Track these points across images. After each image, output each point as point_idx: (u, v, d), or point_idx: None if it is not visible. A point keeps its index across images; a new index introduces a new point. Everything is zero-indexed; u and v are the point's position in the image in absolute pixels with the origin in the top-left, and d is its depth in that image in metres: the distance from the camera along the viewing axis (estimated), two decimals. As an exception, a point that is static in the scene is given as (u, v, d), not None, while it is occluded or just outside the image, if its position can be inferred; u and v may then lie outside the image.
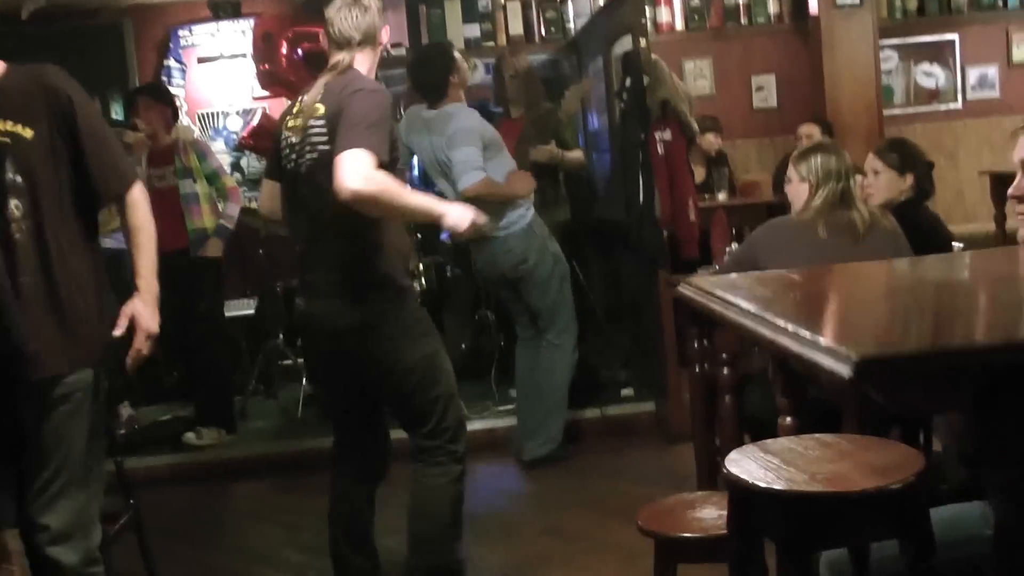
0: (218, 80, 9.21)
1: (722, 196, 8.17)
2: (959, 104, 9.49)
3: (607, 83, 7.13)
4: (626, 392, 7.12)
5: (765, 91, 9.31)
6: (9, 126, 3.25)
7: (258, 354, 7.95)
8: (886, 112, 9.03)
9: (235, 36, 9.15)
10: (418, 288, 6.70)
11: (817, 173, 4.61)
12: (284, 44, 8.68)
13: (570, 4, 9.06)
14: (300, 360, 7.77)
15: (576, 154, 7.11)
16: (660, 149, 6.36)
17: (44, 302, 3.26)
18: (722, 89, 9.29)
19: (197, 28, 9.13)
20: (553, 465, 6.21)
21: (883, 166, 5.08)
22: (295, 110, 4.00)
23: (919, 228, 4.84)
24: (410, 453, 4.12)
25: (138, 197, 3.49)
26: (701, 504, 3.72)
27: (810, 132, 8.28)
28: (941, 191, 9.16)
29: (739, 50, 9.29)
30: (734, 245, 5.39)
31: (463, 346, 7.71)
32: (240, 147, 9.00)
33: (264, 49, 8.71)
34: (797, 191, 4.68)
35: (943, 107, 9.48)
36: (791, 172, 4.71)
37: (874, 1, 8.83)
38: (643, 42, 6.41)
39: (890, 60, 9.38)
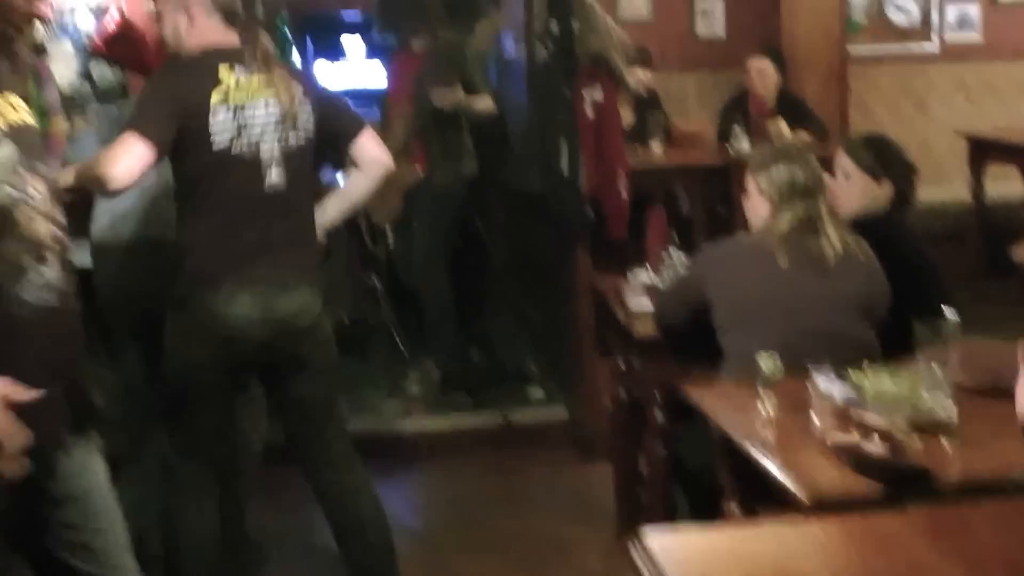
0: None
1: (655, 146, 7.53)
2: (934, 46, 8.88)
3: (527, 12, 6.43)
4: (534, 392, 6.53)
5: (710, 16, 8.68)
6: None
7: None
8: (849, 49, 8.44)
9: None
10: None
11: (780, 188, 4.03)
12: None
13: None
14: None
15: (485, 101, 6.43)
16: (589, 110, 5.74)
17: None
18: (660, 12, 8.67)
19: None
20: (443, 493, 5.62)
21: (855, 168, 4.45)
22: (232, 82, 3.77)
23: (894, 249, 4.28)
24: (319, 463, 4.05)
25: None
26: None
27: (761, 67, 7.71)
28: (907, 144, 8.70)
29: (683, -34, 8.58)
30: (672, 251, 4.78)
31: (344, 319, 7.07)
32: (93, 54, 8.19)
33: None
34: (755, 207, 4.10)
35: (916, 47, 8.89)
36: (748, 182, 4.12)
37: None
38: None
39: (859, -12, 8.74)
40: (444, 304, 6.49)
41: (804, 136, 7.33)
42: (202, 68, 3.78)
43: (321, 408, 4.04)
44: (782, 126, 7.39)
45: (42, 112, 5.74)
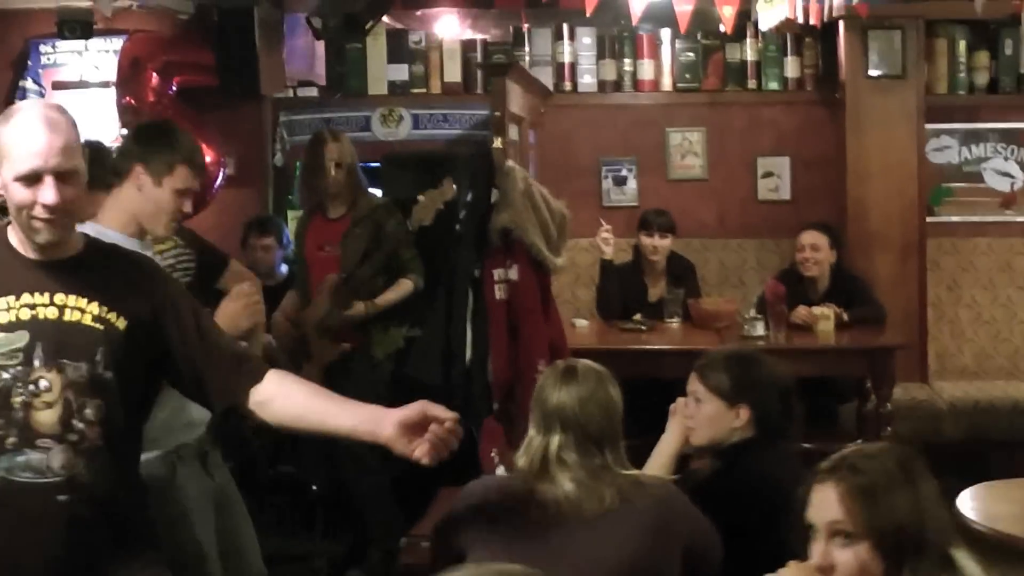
0: (82, 110, 8.42)
1: (673, 325, 7.13)
2: (1042, 215, 8.22)
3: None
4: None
5: (776, 178, 8.21)
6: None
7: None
8: (941, 219, 8.04)
9: (106, 57, 8.39)
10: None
11: (541, 413, 3.62)
12: (154, 74, 8.00)
13: (526, 44, 8.15)
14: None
15: (404, 285, 6.21)
16: (499, 292, 5.42)
17: None
18: (717, 171, 8.26)
19: (62, 44, 8.40)
20: None
21: (705, 391, 4.03)
22: None
23: (741, 491, 3.82)
24: None
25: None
26: None
27: (815, 243, 7.23)
28: (1008, 331, 8.03)
29: (743, 122, 8.25)
30: (500, 469, 4.38)
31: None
32: (93, 201, 8.27)
33: (130, 78, 8.01)
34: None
35: (1020, 218, 8.20)
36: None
37: (923, 72, 7.83)
38: (497, 142, 5.51)
39: (948, 151, 8.16)
40: (383, 494, 6.27)
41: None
42: None
43: None
44: (824, 313, 6.90)
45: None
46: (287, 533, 6.74)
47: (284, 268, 7.53)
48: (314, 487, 6.83)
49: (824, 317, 6.91)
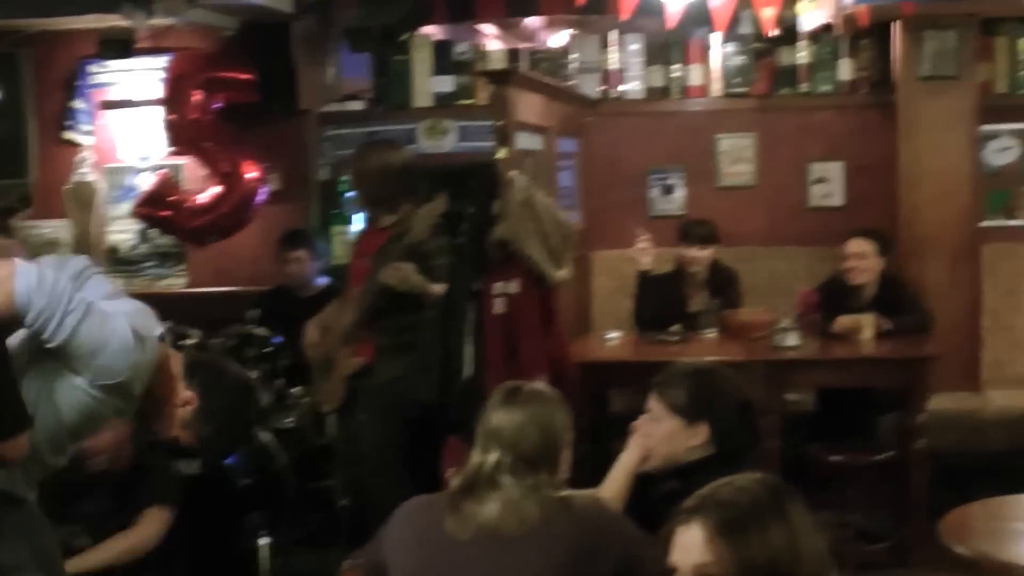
0: (132, 128, 8.61)
1: (709, 336, 7.08)
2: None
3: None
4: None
5: (828, 183, 8.11)
6: None
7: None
8: (999, 223, 7.95)
9: (153, 76, 8.50)
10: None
11: (481, 432, 3.63)
12: (198, 91, 8.09)
13: (573, 51, 8.15)
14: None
15: (438, 289, 6.12)
16: (498, 306, 5.39)
17: None
18: (767, 178, 8.19)
19: (111, 63, 8.54)
20: None
21: (662, 408, 3.94)
22: None
23: None
24: None
25: None
26: None
27: (862, 251, 7.12)
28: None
29: (793, 126, 8.17)
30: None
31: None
32: (136, 216, 8.34)
33: (174, 96, 8.13)
34: None
35: (1083, 219, 8.02)
36: None
37: (977, 73, 7.69)
38: (502, 152, 5.50)
39: (1009, 151, 8.01)
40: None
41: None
42: None
43: None
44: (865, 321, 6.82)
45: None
46: (316, 547, 6.74)
47: (321, 279, 7.63)
48: (343, 502, 6.84)
49: (865, 325, 6.82)
